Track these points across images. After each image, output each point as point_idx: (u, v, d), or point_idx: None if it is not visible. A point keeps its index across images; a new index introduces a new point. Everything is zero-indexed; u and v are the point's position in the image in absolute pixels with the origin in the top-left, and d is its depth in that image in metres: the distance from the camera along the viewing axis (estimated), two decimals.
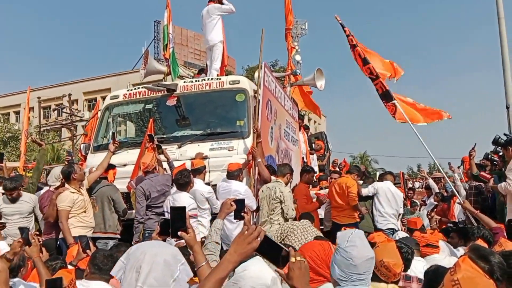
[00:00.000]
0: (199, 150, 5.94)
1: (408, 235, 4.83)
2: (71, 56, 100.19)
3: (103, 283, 3.01)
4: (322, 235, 4.46)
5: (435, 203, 9.40)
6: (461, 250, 4.77)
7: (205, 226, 5.27)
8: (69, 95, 31.68)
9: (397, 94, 6.95)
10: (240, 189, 5.35)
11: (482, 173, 6.35)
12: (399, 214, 7.32)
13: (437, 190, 10.13)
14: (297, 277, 1.68)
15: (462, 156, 8.31)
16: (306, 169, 7.03)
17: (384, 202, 6.91)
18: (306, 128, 10.61)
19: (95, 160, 6.19)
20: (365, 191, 7.01)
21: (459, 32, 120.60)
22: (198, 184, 5.40)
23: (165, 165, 6.00)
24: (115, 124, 7.34)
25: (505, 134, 5.91)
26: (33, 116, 31.07)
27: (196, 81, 6.80)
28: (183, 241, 2.15)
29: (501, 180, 5.75)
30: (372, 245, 2.93)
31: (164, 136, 6.47)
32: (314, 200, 6.92)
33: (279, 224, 5.38)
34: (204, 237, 4.36)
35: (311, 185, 7.55)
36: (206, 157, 5.86)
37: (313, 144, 10.09)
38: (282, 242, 3.89)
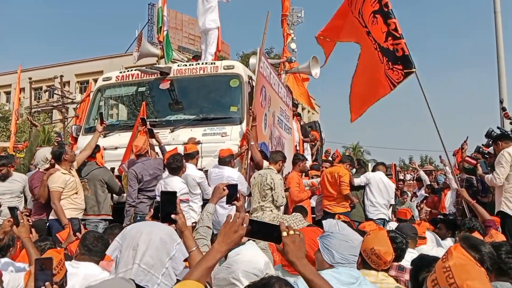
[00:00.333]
0: (192, 135, 5.90)
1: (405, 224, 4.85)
2: (63, 37, 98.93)
3: (93, 264, 3.00)
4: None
5: (426, 194, 9.49)
6: (449, 241, 4.83)
7: (196, 211, 5.27)
8: (61, 76, 31.26)
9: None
10: (233, 175, 5.33)
11: (467, 158, 6.38)
12: (390, 205, 7.36)
13: (428, 182, 10.22)
14: (292, 251, 1.67)
15: (454, 149, 8.32)
16: (299, 158, 7.01)
17: (376, 192, 6.94)
18: (299, 116, 10.60)
19: (87, 142, 6.13)
20: (357, 181, 7.03)
21: (455, 27, 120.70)
22: (190, 169, 5.38)
23: (157, 149, 5.96)
24: (106, 106, 7.26)
25: (498, 128, 5.94)
26: (24, 97, 30.72)
27: (190, 65, 6.74)
28: (172, 226, 2.15)
29: (488, 168, 5.84)
30: (363, 233, 2.95)
31: (157, 120, 6.41)
32: (307, 189, 6.94)
33: (271, 211, 5.39)
34: (195, 222, 4.34)
35: (303, 174, 7.57)
36: (198, 142, 5.82)
37: (308, 134, 10.09)
38: None
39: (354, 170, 7.53)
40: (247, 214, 1.88)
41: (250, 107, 5.81)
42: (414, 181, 14.33)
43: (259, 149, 5.87)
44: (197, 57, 8.19)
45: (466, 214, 5.60)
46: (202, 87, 6.60)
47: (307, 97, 11.43)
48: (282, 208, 5.76)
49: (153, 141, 5.86)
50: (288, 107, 8.51)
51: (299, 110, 13.74)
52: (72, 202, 5.11)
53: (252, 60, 8.57)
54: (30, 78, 28.46)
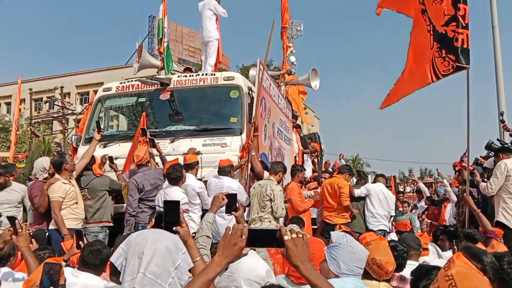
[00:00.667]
0: (192, 146, 5.90)
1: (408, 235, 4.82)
2: (64, 48, 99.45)
3: (91, 275, 2.98)
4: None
5: (426, 206, 9.47)
6: (449, 252, 4.80)
7: (195, 222, 5.24)
8: (61, 87, 31.36)
9: None
10: (233, 185, 5.33)
11: (463, 164, 6.37)
12: (391, 216, 7.34)
13: (428, 194, 10.20)
14: (295, 255, 1.64)
15: (453, 161, 8.33)
16: (297, 168, 7.00)
17: (376, 203, 6.93)
18: (298, 127, 10.62)
19: None
20: (357, 192, 7.03)
21: None
22: (190, 179, 5.37)
23: (157, 159, 5.96)
24: (107, 116, 7.27)
25: (498, 140, 5.96)
26: (24, 108, 30.75)
27: (190, 76, 6.76)
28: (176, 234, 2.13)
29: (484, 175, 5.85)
30: (364, 244, 2.94)
31: (157, 130, 6.42)
32: (307, 201, 6.92)
33: (269, 222, 5.38)
34: (194, 232, 4.32)
35: (303, 185, 7.56)
36: (198, 153, 5.82)
37: (308, 145, 10.10)
38: None
39: (355, 180, 7.52)
40: (246, 224, 1.87)
41: (253, 118, 5.82)
42: (414, 193, 14.31)
43: (259, 159, 5.87)
44: (188, 69, 8.17)
45: (466, 226, 5.58)
46: (202, 98, 6.63)
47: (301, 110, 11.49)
48: (281, 219, 5.73)
49: (154, 150, 5.87)
50: (288, 119, 8.54)
51: (299, 122, 13.76)
52: (72, 212, 5.10)
53: (252, 72, 8.63)
54: (30, 89, 28.56)
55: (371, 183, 7.66)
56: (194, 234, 3.90)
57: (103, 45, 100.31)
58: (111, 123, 8.12)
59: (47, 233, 5.04)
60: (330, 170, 10.16)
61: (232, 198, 2.99)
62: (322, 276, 1.73)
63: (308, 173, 9.64)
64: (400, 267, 3.05)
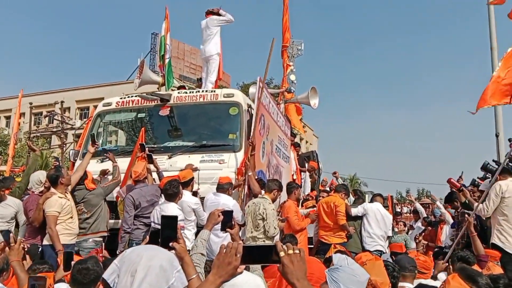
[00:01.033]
0: (190, 162, 5.90)
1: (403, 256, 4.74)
2: (65, 63, 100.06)
3: None
4: None
5: (423, 227, 9.41)
6: (442, 274, 4.75)
7: (189, 239, 5.20)
8: (62, 102, 31.47)
9: None
10: (228, 203, 5.30)
11: (452, 180, 6.35)
12: (388, 237, 7.29)
13: (425, 215, 10.15)
14: (291, 272, 1.60)
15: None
16: (294, 186, 6.93)
17: (373, 223, 6.89)
18: (297, 146, 10.64)
19: None
20: (354, 211, 6.99)
21: (452, 61, 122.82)
22: (185, 195, 5.35)
23: (154, 175, 5.94)
24: (106, 131, 7.29)
25: (494, 161, 5.96)
26: (23, 122, 30.80)
27: (190, 92, 6.80)
28: (172, 251, 2.11)
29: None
30: (360, 263, 2.92)
31: (155, 146, 6.43)
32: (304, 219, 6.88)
33: (263, 241, 5.33)
34: (189, 250, 4.28)
35: (299, 203, 7.52)
36: (196, 169, 5.82)
37: (306, 164, 10.11)
38: None
39: (352, 199, 7.50)
40: (241, 242, 1.84)
41: (250, 137, 5.82)
42: (411, 214, 14.24)
43: (256, 177, 5.86)
44: (182, 87, 8.16)
45: (460, 246, 5.55)
46: (202, 114, 6.66)
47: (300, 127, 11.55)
48: (276, 238, 5.68)
49: (151, 166, 5.86)
50: (287, 136, 8.56)
51: (297, 140, 13.81)
52: (67, 227, 5.06)
53: (252, 89, 8.69)
54: (30, 103, 28.67)
55: (369, 202, 7.64)
56: (188, 251, 3.88)
57: (105, 61, 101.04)
58: (110, 138, 8.13)
59: (39, 248, 5.00)
60: (328, 189, 10.15)
61: (227, 215, 2.98)
62: None
63: (306, 191, 9.62)
64: (392, 286, 3.03)
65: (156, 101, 6.70)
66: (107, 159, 6.14)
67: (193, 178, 5.57)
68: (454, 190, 6.40)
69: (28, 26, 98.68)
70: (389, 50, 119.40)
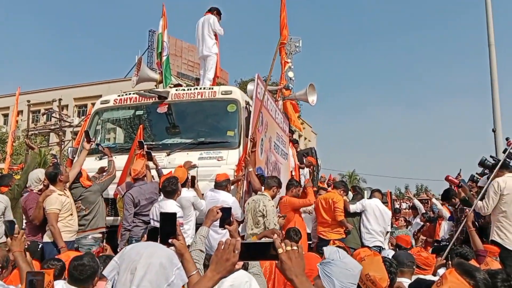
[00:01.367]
0: (188, 159, 5.89)
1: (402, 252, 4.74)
2: (63, 61, 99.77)
3: None
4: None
5: (421, 223, 9.45)
6: (442, 270, 4.76)
7: (189, 235, 5.20)
8: (59, 100, 31.39)
9: None
10: (227, 199, 5.31)
11: (450, 177, 6.35)
12: (387, 232, 7.31)
13: (423, 211, 10.18)
14: (289, 268, 1.61)
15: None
16: (293, 184, 6.93)
17: (372, 219, 6.90)
18: (295, 142, 10.64)
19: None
20: (352, 207, 7.00)
21: (450, 58, 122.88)
22: (182, 191, 5.34)
23: (153, 172, 5.94)
24: (104, 129, 7.28)
25: (491, 157, 5.96)
26: (21, 120, 30.73)
27: (188, 89, 6.80)
28: (172, 248, 2.11)
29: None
30: (358, 259, 2.92)
31: (153, 143, 6.42)
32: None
33: (264, 239, 5.33)
34: (188, 245, 4.29)
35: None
36: (194, 166, 5.82)
37: (304, 160, 10.09)
38: None
39: (351, 196, 7.50)
40: (239, 239, 1.84)
41: (251, 134, 5.82)
42: (409, 210, 14.28)
43: (256, 173, 5.86)
44: (178, 85, 8.16)
45: (457, 243, 5.55)
46: (200, 111, 6.65)
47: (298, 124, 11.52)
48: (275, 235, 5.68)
49: (150, 163, 5.86)
50: (285, 133, 8.56)
51: (296, 137, 13.79)
52: (67, 225, 5.08)
53: (250, 86, 8.66)
54: (28, 101, 28.59)
55: (367, 198, 7.65)
56: (188, 246, 3.89)
57: (103, 59, 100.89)
58: (108, 136, 8.12)
59: (40, 245, 5.00)
60: (326, 186, 10.15)
61: (226, 212, 2.99)
62: None
63: None
64: (390, 283, 3.03)
65: (154, 99, 6.70)
66: (105, 156, 6.14)
67: (187, 177, 5.53)
68: (453, 187, 6.40)
69: (26, 24, 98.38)
70: (387, 47, 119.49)
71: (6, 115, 42.62)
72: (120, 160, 6.16)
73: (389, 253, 5.68)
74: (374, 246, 6.59)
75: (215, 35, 7.88)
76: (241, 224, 5.73)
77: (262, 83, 6.51)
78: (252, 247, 1.72)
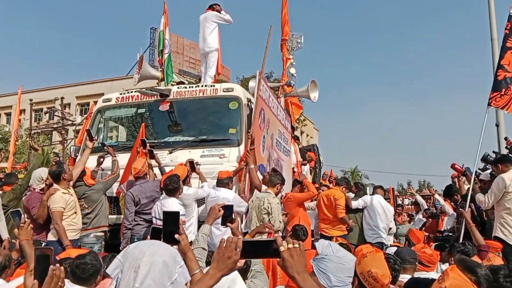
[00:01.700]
0: (190, 156, 5.90)
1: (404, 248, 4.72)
2: (65, 59, 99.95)
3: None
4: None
5: (424, 219, 9.43)
6: (447, 265, 4.75)
7: (192, 232, 5.22)
8: (62, 98, 31.48)
9: None
10: (228, 196, 5.31)
11: (456, 165, 6.32)
12: (390, 228, 7.31)
13: (426, 206, 10.17)
14: (291, 265, 1.63)
15: (452, 174, 8.30)
16: (299, 181, 7.01)
17: (374, 215, 6.90)
18: (296, 139, 10.64)
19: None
20: (354, 204, 7.00)
21: (452, 52, 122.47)
22: (184, 189, 5.35)
23: (156, 170, 5.95)
24: (106, 127, 7.29)
25: (494, 152, 5.95)
26: (24, 119, 30.81)
27: (190, 87, 6.80)
28: (175, 246, 2.12)
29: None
30: (360, 256, 2.92)
31: (156, 141, 6.44)
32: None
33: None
34: (191, 242, 4.30)
35: None
36: (196, 164, 5.83)
37: (306, 157, 10.10)
38: None
39: (354, 194, 7.49)
40: (241, 236, 1.85)
41: (249, 130, 5.83)
42: (412, 206, 14.26)
43: (256, 171, 5.86)
44: (181, 82, 8.13)
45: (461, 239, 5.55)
46: (201, 109, 6.66)
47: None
48: (280, 233, 5.69)
49: (152, 161, 5.87)
50: (287, 130, 8.56)
51: (298, 134, 13.79)
52: (71, 223, 5.10)
53: (252, 83, 8.67)
54: (31, 100, 28.65)
55: (370, 195, 7.65)
56: (190, 243, 3.90)
57: (105, 57, 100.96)
58: (111, 134, 8.14)
59: (43, 244, 5.02)
60: (328, 182, 10.15)
61: (228, 209, 3.00)
62: (317, 287, 1.72)
63: None
64: (393, 280, 3.02)
65: (156, 96, 6.71)
66: (108, 154, 6.16)
67: (187, 176, 5.54)
68: (458, 174, 6.35)
69: (27, 23, 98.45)
70: (390, 43, 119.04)
71: (8, 114, 42.75)
72: (123, 159, 6.18)
73: (392, 249, 5.66)
74: (377, 243, 6.60)
75: (218, 31, 7.84)
76: (244, 222, 5.74)
77: (263, 79, 6.50)
78: (253, 245, 1.73)
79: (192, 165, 5.63)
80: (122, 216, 5.95)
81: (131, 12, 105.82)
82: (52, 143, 34.19)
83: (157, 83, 8.02)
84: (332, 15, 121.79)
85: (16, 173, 9.77)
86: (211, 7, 7.74)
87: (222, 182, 5.47)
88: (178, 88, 6.78)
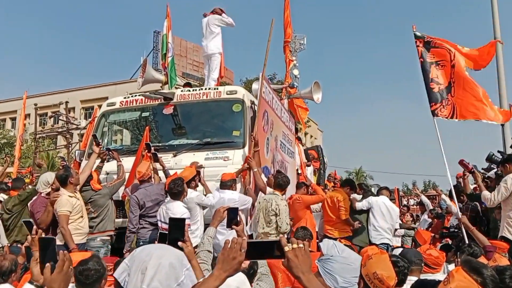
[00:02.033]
0: (194, 159, 5.91)
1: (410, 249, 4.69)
2: (69, 64, 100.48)
3: None
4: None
5: (429, 219, 9.38)
6: (453, 266, 4.72)
7: (197, 236, 5.23)
8: (66, 102, 31.60)
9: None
10: (233, 197, 5.32)
11: (464, 162, 6.27)
12: (395, 229, 7.27)
13: (431, 207, 10.12)
14: (296, 266, 1.63)
15: (457, 173, 8.26)
16: (305, 184, 7.02)
17: (379, 216, 6.87)
18: (299, 140, 10.63)
19: None
20: (359, 205, 6.98)
21: None
22: (188, 192, 5.35)
23: (161, 173, 5.96)
24: (110, 131, 7.32)
25: (499, 151, 5.92)
26: (29, 123, 30.99)
27: (193, 90, 6.82)
28: None
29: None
30: (366, 257, 2.91)
31: (160, 144, 6.45)
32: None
33: (275, 237, 5.33)
34: (196, 246, 4.31)
35: None
36: (201, 167, 5.84)
37: (309, 156, 10.09)
38: None
39: (355, 195, 7.46)
40: (245, 238, 1.86)
41: (252, 133, 5.83)
42: (417, 206, 14.19)
43: (262, 173, 5.86)
44: (188, 84, 8.14)
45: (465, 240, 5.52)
46: (205, 112, 6.67)
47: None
48: (286, 235, 5.69)
49: (157, 165, 5.88)
50: (291, 131, 8.56)
51: (301, 136, 13.77)
52: (77, 227, 5.10)
53: (255, 86, 8.67)
54: (35, 104, 28.80)
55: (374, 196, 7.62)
56: (195, 248, 3.91)
57: (108, 60, 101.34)
58: (115, 138, 8.17)
59: None
60: (333, 184, 10.14)
61: (233, 212, 3.00)
62: (323, 287, 1.72)
63: None
64: (400, 283, 3.01)
65: (159, 100, 6.73)
66: (112, 158, 6.18)
67: (195, 176, 5.55)
68: (464, 173, 6.31)
69: (32, 27, 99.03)
70: (393, 42, 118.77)
71: (13, 119, 43.01)
72: (127, 162, 6.20)
73: (397, 251, 5.62)
74: (382, 244, 6.58)
75: (219, 34, 7.86)
76: (249, 223, 5.74)
77: (266, 81, 6.49)
78: (258, 246, 1.74)
79: (198, 174, 5.63)
80: (127, 219, 5.97)
81: (134, 16, 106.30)
82: (57, 147, 34.35)
83: (161, 87, 8.06)
84: (334, 14, 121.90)
85: (24, 177, 9.85)
86: (213, 11, 7.76)
87: (226, 184, 5.47)
88: (181, 91, 6.80)
